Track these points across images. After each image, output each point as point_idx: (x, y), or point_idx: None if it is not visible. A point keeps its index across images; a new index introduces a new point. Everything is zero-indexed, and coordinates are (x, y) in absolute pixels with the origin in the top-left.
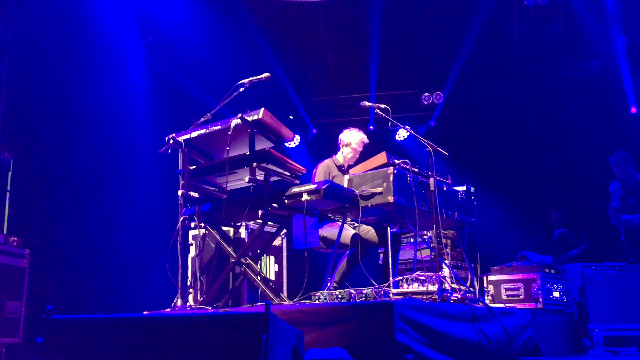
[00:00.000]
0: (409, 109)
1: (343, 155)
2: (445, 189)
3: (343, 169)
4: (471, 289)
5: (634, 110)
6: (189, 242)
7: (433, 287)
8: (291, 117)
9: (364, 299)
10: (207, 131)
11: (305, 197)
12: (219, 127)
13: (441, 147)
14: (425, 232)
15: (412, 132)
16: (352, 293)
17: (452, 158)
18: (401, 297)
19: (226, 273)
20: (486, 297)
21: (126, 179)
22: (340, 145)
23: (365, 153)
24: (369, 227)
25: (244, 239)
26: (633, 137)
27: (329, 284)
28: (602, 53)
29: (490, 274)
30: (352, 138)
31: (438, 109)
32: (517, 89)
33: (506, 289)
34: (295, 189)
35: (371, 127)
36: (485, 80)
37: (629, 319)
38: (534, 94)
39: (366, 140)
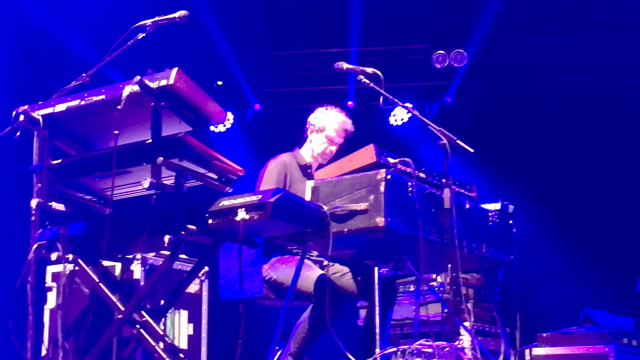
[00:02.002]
0: (412, 75)
1: (312, 148)
2: (467, 206)
3: (310, 172)
4: None
5: None
6: (47, 285)
7: None
8: (220, 83)
9: None
10: (83, 103)
11: (241, 215)
12: (103, 97)
13: (463, 139)
14: (435, 275)
15: (417, 113)
16: None
17: (479, 157)
18: None
19: (108, 337)
20: None
21: None
22: (309, 132)
23: (342, 146)
24: (345, 268)
25: (138, 280)
26: None
27: (278, 356)
28: None
29: (536, 345)
30: (328, 121)
31: (458, 77)
32: (581, 49)
33: None
34: (226, 202)
35: (350, 102)
36: (532, 35)
37: None
38: (606, 57)
39: (350, 126)
